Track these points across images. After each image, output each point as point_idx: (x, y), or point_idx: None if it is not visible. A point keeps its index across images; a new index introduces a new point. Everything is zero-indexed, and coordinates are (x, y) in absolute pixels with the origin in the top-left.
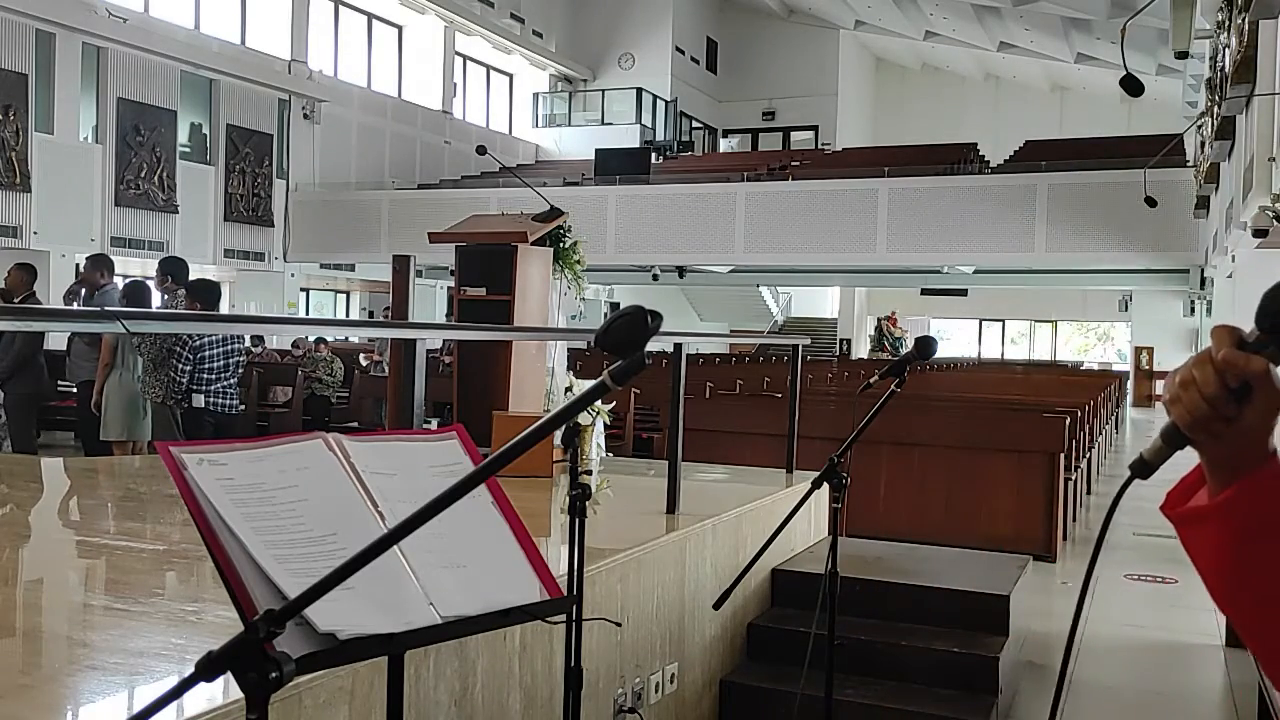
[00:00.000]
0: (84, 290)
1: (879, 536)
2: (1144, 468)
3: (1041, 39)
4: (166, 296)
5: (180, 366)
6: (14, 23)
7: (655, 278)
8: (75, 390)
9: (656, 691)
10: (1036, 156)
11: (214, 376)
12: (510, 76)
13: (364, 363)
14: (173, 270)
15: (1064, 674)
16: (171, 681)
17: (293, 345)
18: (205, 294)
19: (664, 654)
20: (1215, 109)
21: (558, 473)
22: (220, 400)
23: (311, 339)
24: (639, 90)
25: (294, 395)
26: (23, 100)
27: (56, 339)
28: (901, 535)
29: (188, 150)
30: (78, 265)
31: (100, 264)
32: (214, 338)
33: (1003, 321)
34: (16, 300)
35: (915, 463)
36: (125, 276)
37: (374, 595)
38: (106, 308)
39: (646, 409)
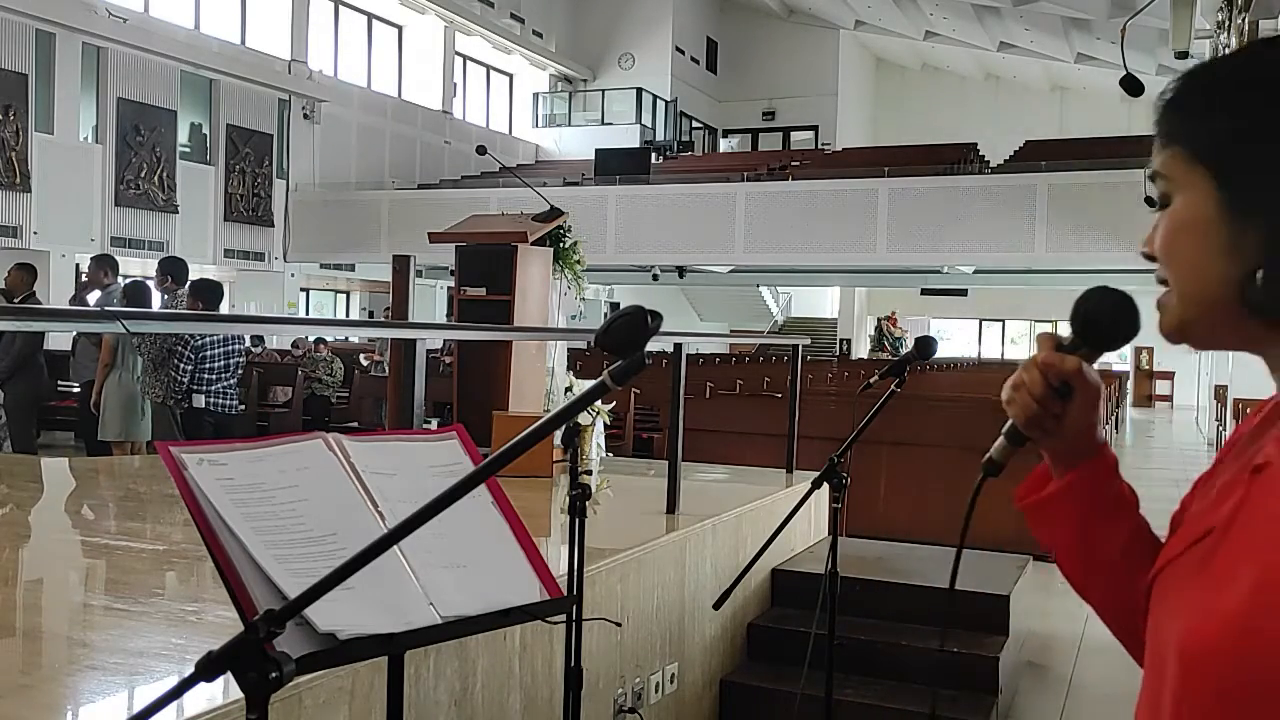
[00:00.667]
0: (95, 291)
1: (879, 536)
2: (993, 467)
3: (1041, 39)
4: (166, 297)
5: (182, 366)
6: (14, 23)
7: (655, 278)
8: (77, 390)
9: (656, 691)
10: (1036, 156)
11: (215, 376)
12: (510, 76)
13: (364, 363)
14: (172, 270)
15: None
16: (171, 681)
17: (293, 345)
18: (208, 294)
19: (664, 654)
20: None
21: (558, 473)
22: (221, 400)
23: (311, 339)
24: (639, 90)
25: (294, 395)
26: (23, 100)
27: (57, 339)
28: (901, 535)
29: (188, 150)
30: (78, 265)
31: (104, 263)
32: (215, 338)
33: (1003, 322)
34: (16, 300)
35: (915, 463)
36: (125, 277)
37: (374, 595)
38: (106, 308)
39: (646, 409)
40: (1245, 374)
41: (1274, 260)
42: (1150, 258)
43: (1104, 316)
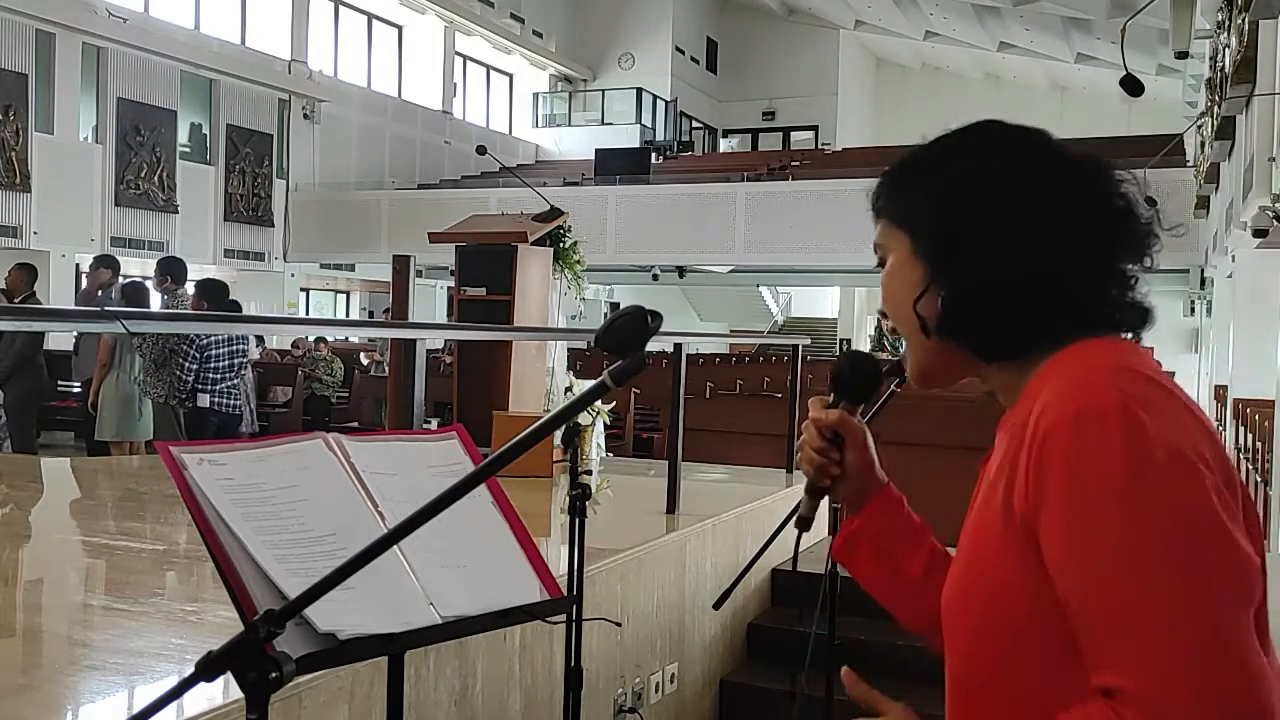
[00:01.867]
0: (103, 292)
1: None
2: (802, 522)
3: (1041, 39)
4: (166, 297)
5: (187, 365)
6: (14, 23)
7: (655, 278)
8: (78, 390)
9: (656, 691)
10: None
11: (219, 376)
12: (510, 76)
13: (365, 362)
14: (172, 270)
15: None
16: (171, 681)
17: (293, 345)
18: (214, 293)
19: (664, 654)
20: (1215, 109)
21: (558, 473)
22: (225, 400)
23: (311, 339)
24: (639, 90)
25: (294, 395)
26: (23, 100)
27: (58, 339)
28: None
29: (188, 150)
30: (78, 265)
31: (107, 263)
32: (220, 337)
33: None
34: (17, 300)
35: (915, 462)
36: (125, 277)
37: (374, 595)
38: (106, 307)
39: (646, 409)
40: (1246, 374)
41: (934, 283)
42: (884, 315)
43: (844, 373)
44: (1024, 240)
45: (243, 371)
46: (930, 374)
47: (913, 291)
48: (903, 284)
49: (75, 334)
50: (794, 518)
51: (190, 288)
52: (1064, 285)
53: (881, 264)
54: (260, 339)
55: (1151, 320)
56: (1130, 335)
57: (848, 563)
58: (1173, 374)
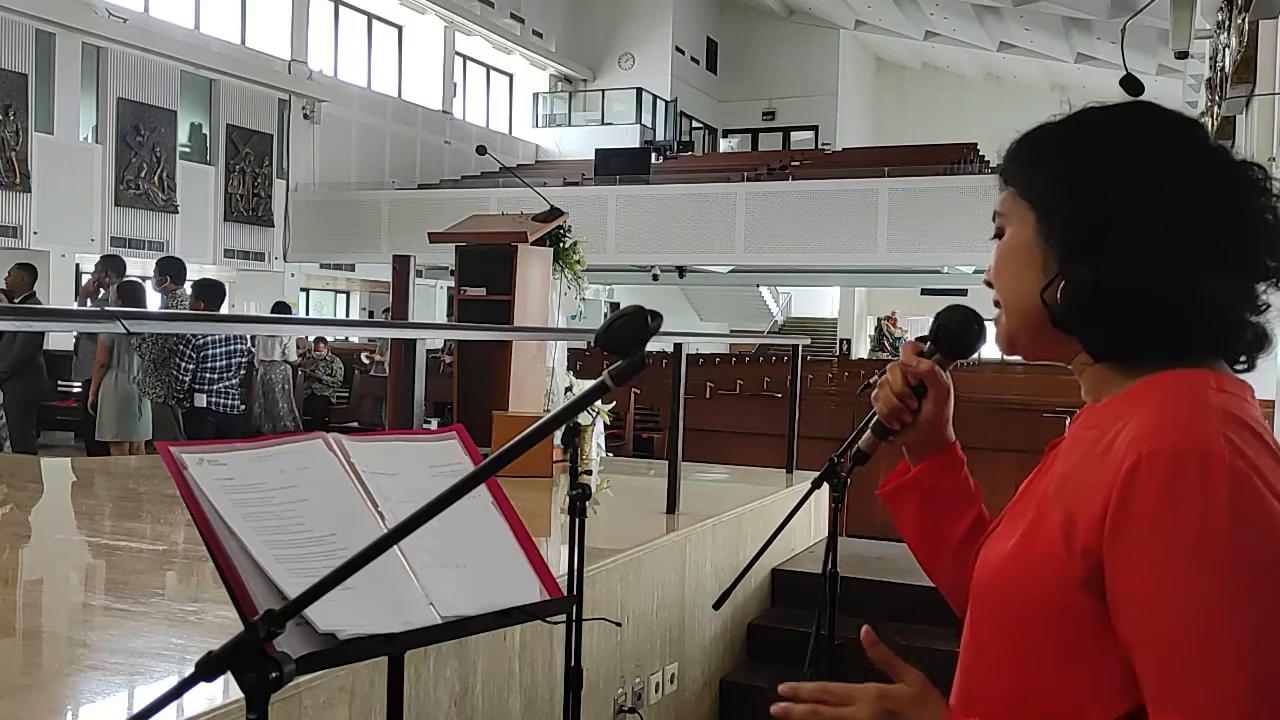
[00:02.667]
0: (104, 290)
1: (879, 536)
2: (861, 457)
3: (1041, 39)
4: (165, 297)
5: (184, 365)
6: (14, 23)
7: (655, 278)
8: (78, 390)
9: (656, 691)
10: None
11: (217, 376)
12: (510, 76)
13: (366, 361)
14: (171, 270)
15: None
16: (171, 681)
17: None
18: (211, 293)
19: (664, 654)
20: (1215, 109)
21: (558, 473)
22: (223, 400)
23: (311, 339)
24: (639, 90)
25: (294, 395)
26: (23, 100)
27: (58, 339)
28: (901, 535)
29: (188, 150)
30: (78, 265)
31: (113, 265)
32: (217, 337)
33: None
34: (17, 300)
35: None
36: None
37: (374, 595)
38: (106, 308)
39: (646, 409)
40: (1253, 371)
41: (1068, 275)
42: (990, 285)
43: (952, 327)
44: (1175, 244)
45: (241, 371)
46: (1020, 348)
47: (1036, 275)
48: (1023, 264)
49: (75, 334)
50: (852, 450)
51: (188, 288)
52: (1204, 297)
53: (999, 234)
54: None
55: (1269, 347)
56: (1244, 361)
57: (892, 506)
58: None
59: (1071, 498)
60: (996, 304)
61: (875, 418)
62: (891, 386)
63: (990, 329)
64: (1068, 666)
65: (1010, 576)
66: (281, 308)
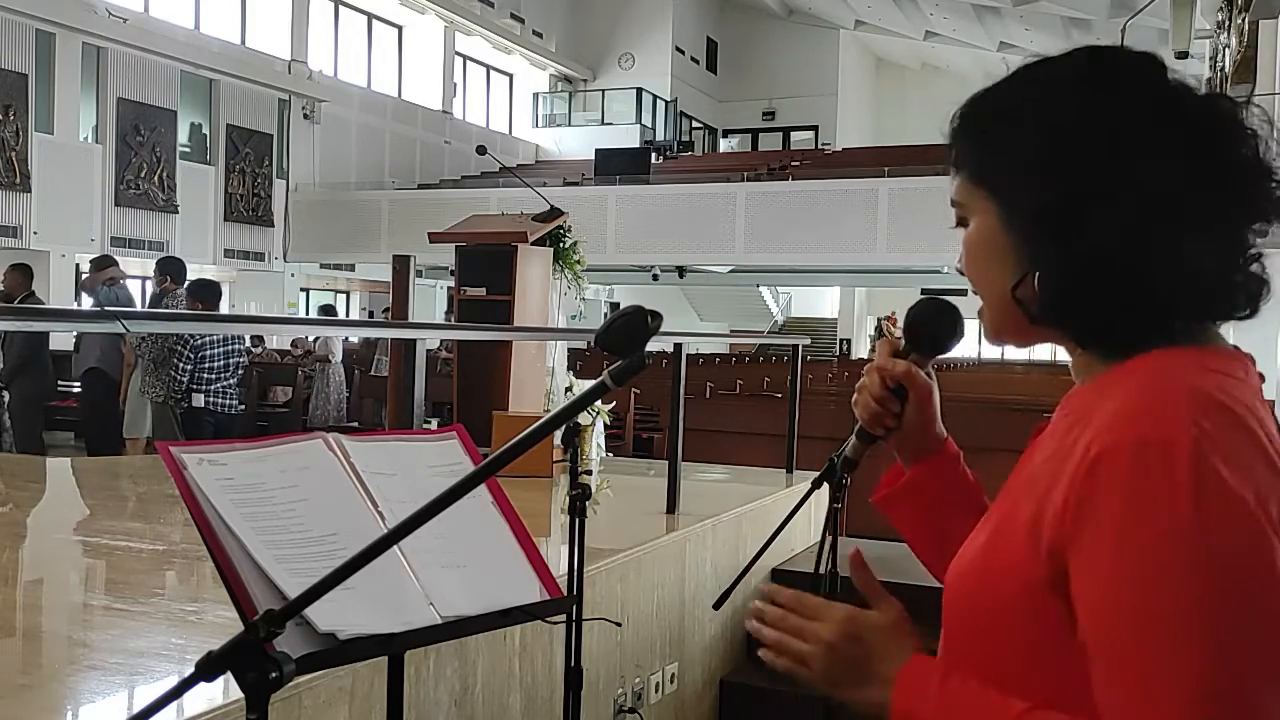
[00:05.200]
0: (105, 288)
1: (879, 536)
2: (849, 464)
3: (1042, 39)
4: (166, 298)
5: (181, 365)
6: (14, 23)
7: (655, 278)
8: (78, 390)
9: (656, 691)
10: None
11: (214, 376)
12: (510, 76)
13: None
14: (171, 270)
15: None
16: (171, 681)
17: (292, 345)
18: (206, 293)
19: (664, 654)
20: None
21: (558, 473)
22: (220, 400)
23: (311, 339)
24: (639, 90)
25: (294, 395)
26: (23, 100)
27: (58, 339)
28: (901, 535)
29: (188, 150)
30: (78, 265)
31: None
32: (214, 337)
33: None
34: (16, 301)
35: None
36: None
37: (374, 595)
38: (106, 308)
39: (646, 409)
40: (1256, 316)
41: (1036, 266)
42: (963, 273)
43: (922, 322)
44: (1146, 215)
45: (239, 371)
46: (1007, 339)
47: (1006, 270)
48: (991, 258)
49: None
50: (839, 458)
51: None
52: (1187, 268)
53: (960, 223)
54: (260, 339)
55: (1268, 294)
56: (1246, 313)
57: (889, 512)
58: (1264, 379)
59: (1041, 493)
60: (975, 293)
61: (858, 424)
62: (869, 391)
63: (968, 320)
64: (1038, 672)
65: (978, 576)
66: (327, 310)
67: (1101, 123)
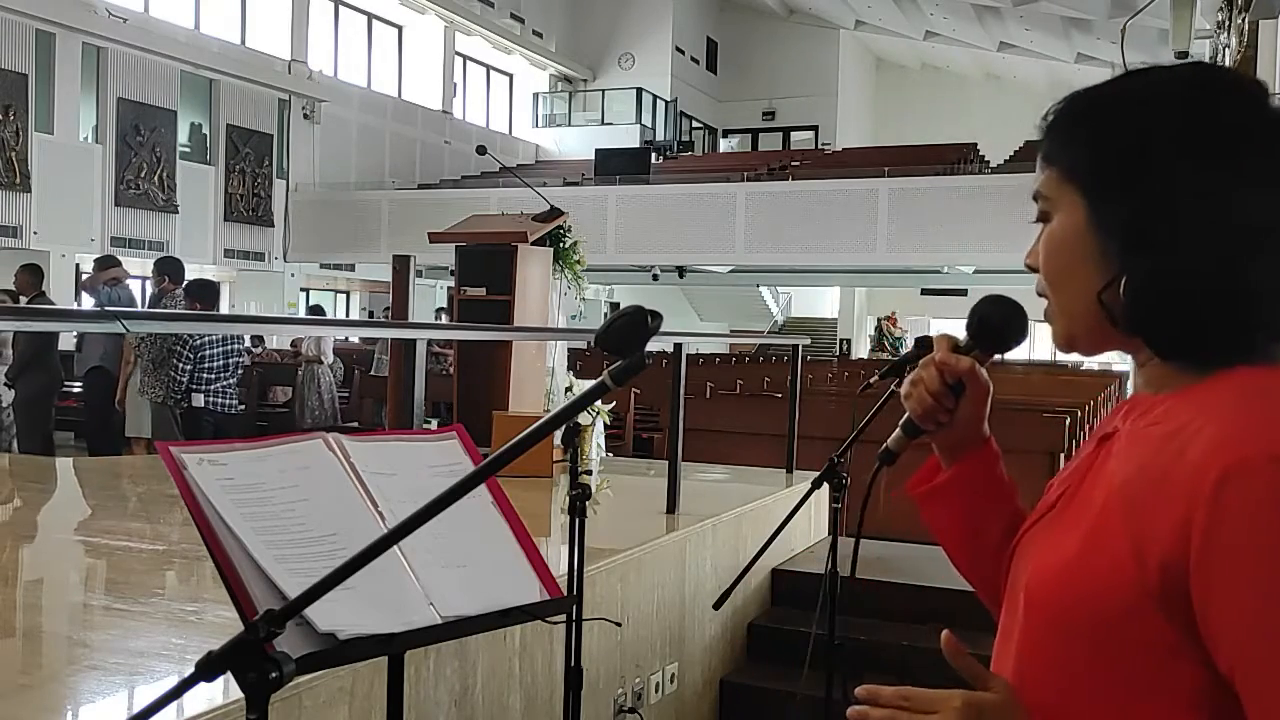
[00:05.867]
0: (106, 288)
1: (879, 536)
2: (889, 456)
3: (1041, 39)
4: (165, 298)
5: (180, 366)
6: (14, 23)
7: (655, 278)
8: (78, 390)
9: (656, 691)
10: (1036, 156)
11: (214, 376)
12: (510, 76)
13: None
14: (169, 270)
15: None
16: (171, 681)
17: (292, 345)
18: (204, 293)
19: (664, 654)
20: None
21: (558, 473)
22: (220, 400)
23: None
24: (639, 90)
25: (294, 395)
26: (23, 100)
27: (60, 339)
28: (901, 535)
29: (188, 150)
30: (78, 265)
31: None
32: (214, 337)
33: None
34: (26, 301)
35: (915, 463)
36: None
37: (374, 595)
38: (106, 308)
39: (646, 409)
40: None
41: (1127, 272)
42: (1033, 269)
43: (995, 321)
44: (1243, 238)
45: (239, 371)
46: (1080, 348)
47: (1092, 272)
48: (1075, 259)
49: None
50: (881, 450)
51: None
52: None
53: (1043, 217)
54: (260, 339)
55: None
56: None
57: (925, 507)
58: None
59: (1141, 506)
60: (1042, 294)
61: (905, 416)
62: (927, 386)
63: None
64: (1133, 688)
65: (1072, 587)
66: (317, 310)
67: (1206, 140)
